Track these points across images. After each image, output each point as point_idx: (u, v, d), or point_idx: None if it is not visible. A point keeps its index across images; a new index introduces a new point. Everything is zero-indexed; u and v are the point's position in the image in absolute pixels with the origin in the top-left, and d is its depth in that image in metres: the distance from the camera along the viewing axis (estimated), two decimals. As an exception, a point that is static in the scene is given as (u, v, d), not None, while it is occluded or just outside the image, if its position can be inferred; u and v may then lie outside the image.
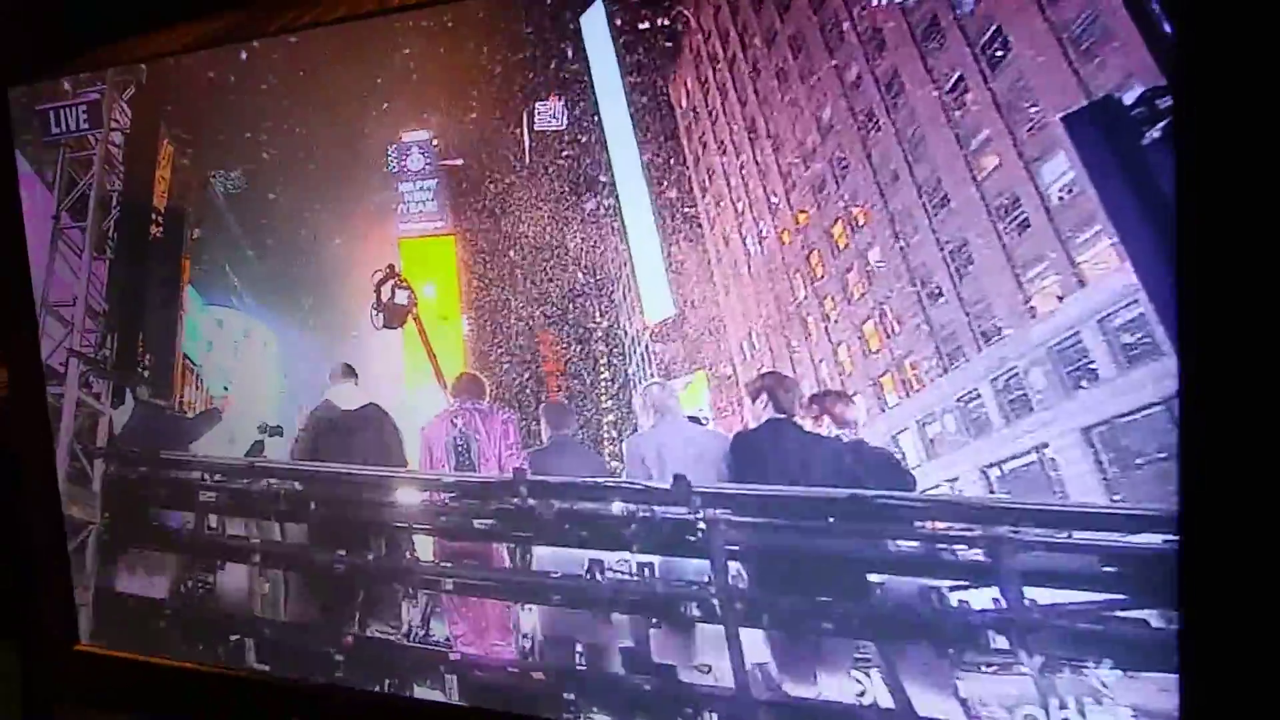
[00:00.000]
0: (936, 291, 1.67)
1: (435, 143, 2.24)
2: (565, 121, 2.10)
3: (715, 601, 1.94)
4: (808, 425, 1.90)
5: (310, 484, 2.51)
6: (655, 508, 2.02)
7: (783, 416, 1.93)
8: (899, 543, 1.80)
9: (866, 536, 1.82)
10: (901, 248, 1.71)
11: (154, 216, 2.62)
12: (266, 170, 2.43)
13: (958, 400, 1.66)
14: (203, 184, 2.50)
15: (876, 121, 1.72)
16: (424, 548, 2.36)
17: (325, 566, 2.47)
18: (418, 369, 2.33)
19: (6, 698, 2.43)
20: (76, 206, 2.71)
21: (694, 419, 2.06)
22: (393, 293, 2.29)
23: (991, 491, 1.61)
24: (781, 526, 1.90)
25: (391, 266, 2.28)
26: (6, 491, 2.44)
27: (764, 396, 1.95)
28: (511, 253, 2.20)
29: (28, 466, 2.44)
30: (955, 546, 1.74)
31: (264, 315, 2.51)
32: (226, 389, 2.58)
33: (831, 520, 1.83)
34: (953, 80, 1.58)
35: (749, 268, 1.99)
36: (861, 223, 1.78)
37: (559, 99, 2.10)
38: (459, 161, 1.99)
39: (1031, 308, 1.52)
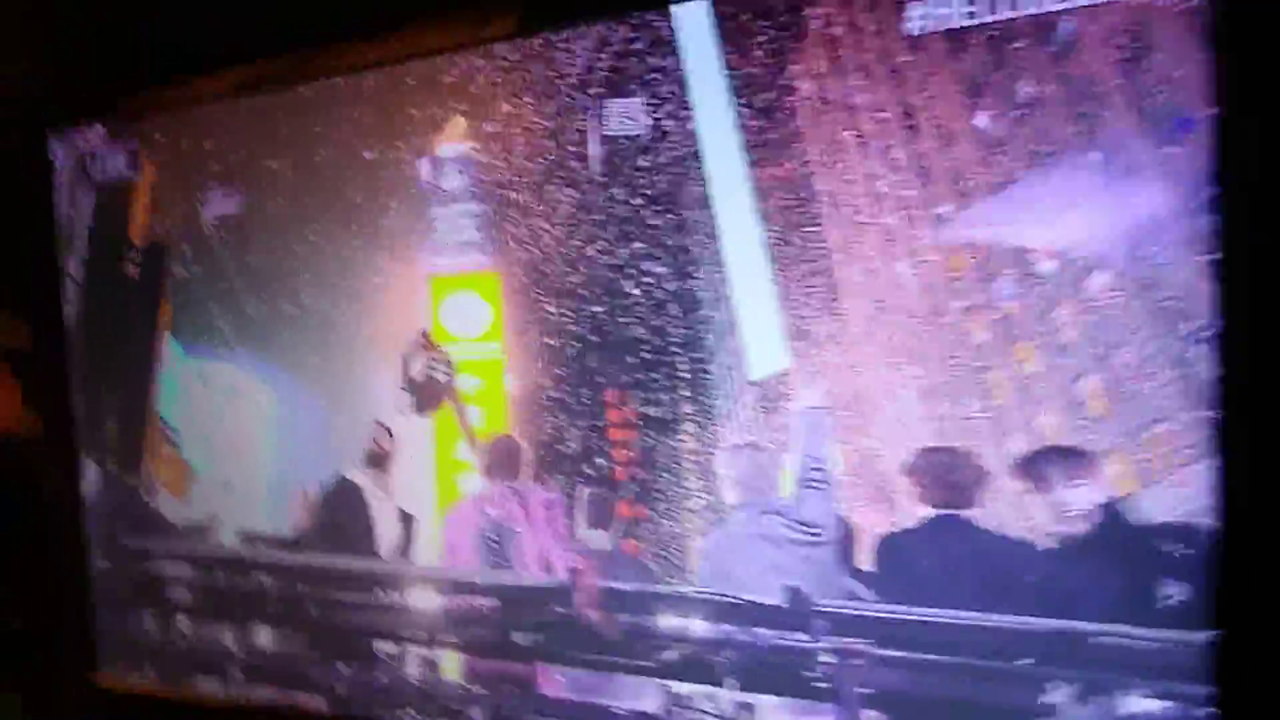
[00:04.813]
0: (1203, 331, 1.16)
1: (478, 155, 1.80)
2: (646, 123, 1.71)
3: (846, 766, 1.60)
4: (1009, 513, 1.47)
5: (307, 580, 2.13)
6: (759, 630, 1.65)
7: (955, 513, 1.51)
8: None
9: (1086, 692, 1.39)
10: (1139, 269, 1.20)
11: (129, 250, 2.34)
12: (268, 191, 2.13)
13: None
14: (190, 210, 2.23)
15: (1102, 97, 1.23)
16: (450, 666, 1.99)
17: (324, 686, 2.12)
18: (450, 454, 2.02)
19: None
20: (38, 237, 2.42)
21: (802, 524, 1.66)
22: (427, 368, 1.99)
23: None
24: (948, 667, 1.49)
25: (425, 334, 1.98)
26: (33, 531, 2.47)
27: (926, 483, 1.53)
28: (572, 291, 1.83)
29: (57, 503, 2.43)
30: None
31: (258, 369, 2.21)
32: (208, 458, 2.29)
33: (1030, 662, 1.42)
34: None
35: (901, 304, 1.49)
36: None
37: (637, 94, 1.72)
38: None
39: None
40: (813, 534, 1.64)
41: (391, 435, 2.04)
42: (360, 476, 2.08)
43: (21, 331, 2.50)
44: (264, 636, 2.17)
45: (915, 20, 1.48)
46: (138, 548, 2.32)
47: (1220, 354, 1.26)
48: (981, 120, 1.40)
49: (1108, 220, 1.33)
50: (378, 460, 2.06)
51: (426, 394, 2.00)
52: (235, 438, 2.25)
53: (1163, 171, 1.29)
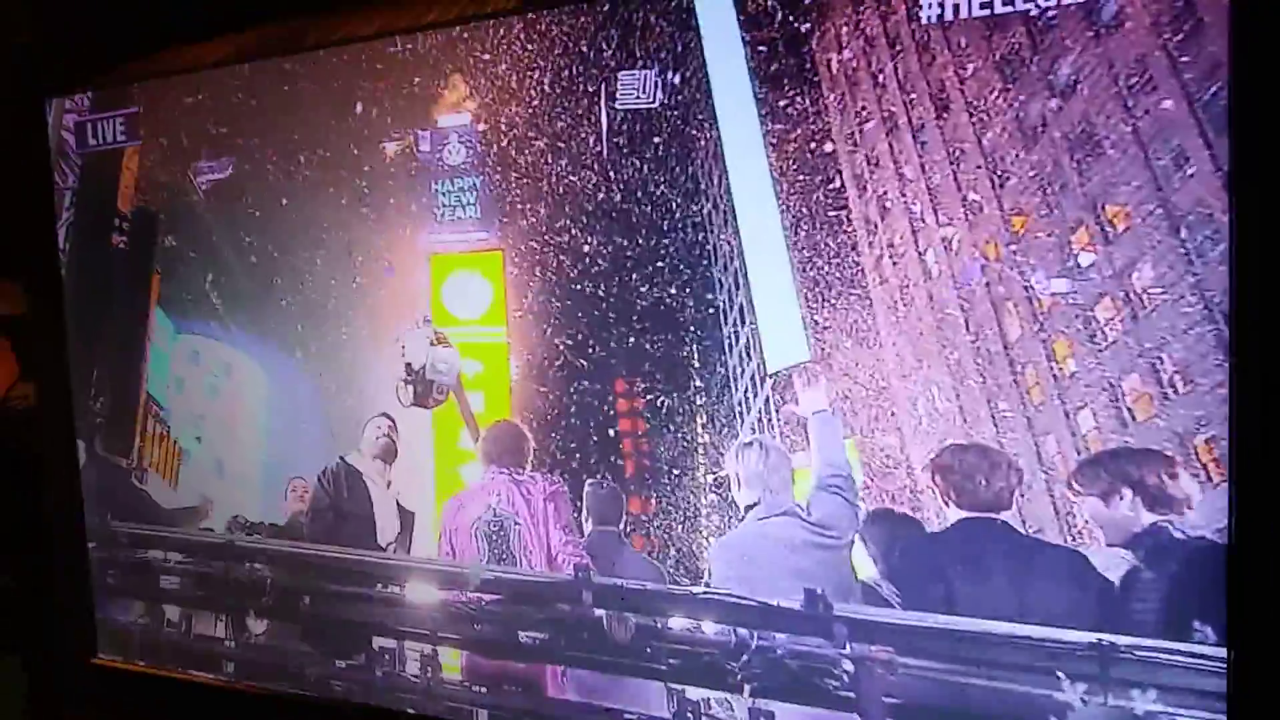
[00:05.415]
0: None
1: (481, 128, 1.86)
2: (659, 96, 1.65)
3: (868, 780, 1.55)
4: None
5: (303, 571, 2.07)
6: (776, 635, 1.59)
7: (985, 516, 1.44)
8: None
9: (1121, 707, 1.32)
10: (1189, 263, 1.13)
11: (117, 221, 2.28)
12: (262, 161, 2.07)
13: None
14: (180, 179, 2.17)
15: (1148, 77, 1.15)
16: (451, 664, 1.93)
17: (319, 683, 2.06)
18: (450, 445, 1.96)
19: (13, 711, 2.52)
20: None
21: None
22: (429, 364, 1.92)
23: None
24: (976, 678, 1.43)
25: (426, 320, 1.93)
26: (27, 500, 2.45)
27: (955, 484, 1.46)
28: (579, 273, 1.77)
29: (52, 474, 2.39)
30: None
31: (251, 347, 2.15)
32: (199, 440, 2.23)
33: (1060, 676, 1.36)
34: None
35: (929, 294, 1.42)
36: (1121, 227, 1.21)
37: (651, 65, 1.65)
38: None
39: None
40: (830, 536, 1.57)
41: (396, 427, 1.97)
42: (360, 463, 2.01)
43: (20, 302, 2.46)
44: (258, 628, 2.11)
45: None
46: (128, 532, 2.26)
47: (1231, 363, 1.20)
48: (1019, 101, 1.31)
49: (1154, 210, 1.26)
50: (387, 453, 1.99)
51: (429, 388, 1.93)
52: (227, 419, 2.19)
53: (1212, 158, 1.21)
